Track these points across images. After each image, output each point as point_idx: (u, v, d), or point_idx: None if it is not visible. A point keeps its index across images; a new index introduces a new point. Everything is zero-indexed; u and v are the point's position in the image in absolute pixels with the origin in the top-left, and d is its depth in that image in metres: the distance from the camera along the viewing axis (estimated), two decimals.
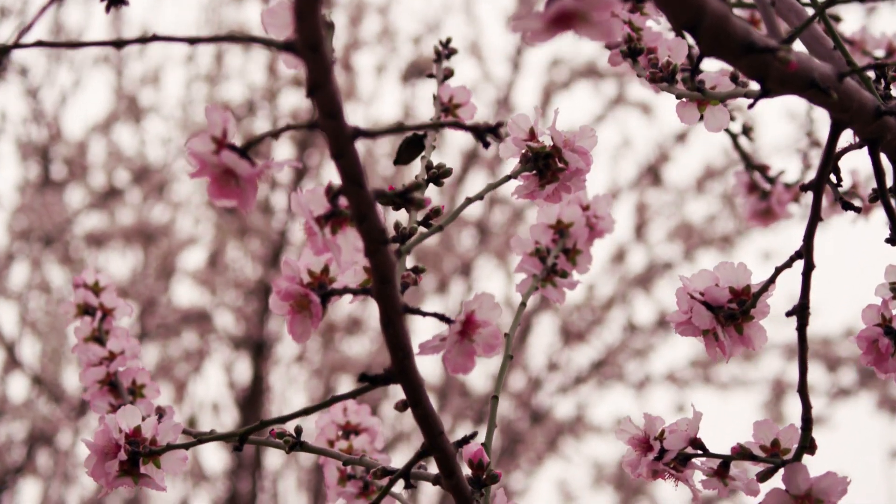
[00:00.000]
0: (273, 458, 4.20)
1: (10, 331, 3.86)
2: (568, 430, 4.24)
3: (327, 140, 0.69)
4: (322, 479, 4.15)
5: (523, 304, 1.03)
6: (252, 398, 3.95)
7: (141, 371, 1.08)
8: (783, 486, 0.82)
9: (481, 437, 0.93)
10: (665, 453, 0.86)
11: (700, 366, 4.35)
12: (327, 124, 0.68)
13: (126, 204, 3.82)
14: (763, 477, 0.84)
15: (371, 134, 0.70)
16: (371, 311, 4.16)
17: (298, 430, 0.94)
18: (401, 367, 0.77)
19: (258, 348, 3.88)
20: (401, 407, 0.83)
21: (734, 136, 1.37)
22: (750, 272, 0.87)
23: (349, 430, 1.10)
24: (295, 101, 4.01)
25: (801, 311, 0.83)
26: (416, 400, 0.79)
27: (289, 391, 4.18)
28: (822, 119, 1.62)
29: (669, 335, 4.38)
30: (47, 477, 3.83)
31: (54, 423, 3.60)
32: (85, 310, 1.13)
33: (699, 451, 0.86)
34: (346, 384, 4.14)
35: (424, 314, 0.79)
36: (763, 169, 1.38)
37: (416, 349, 0.78)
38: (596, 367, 4.29)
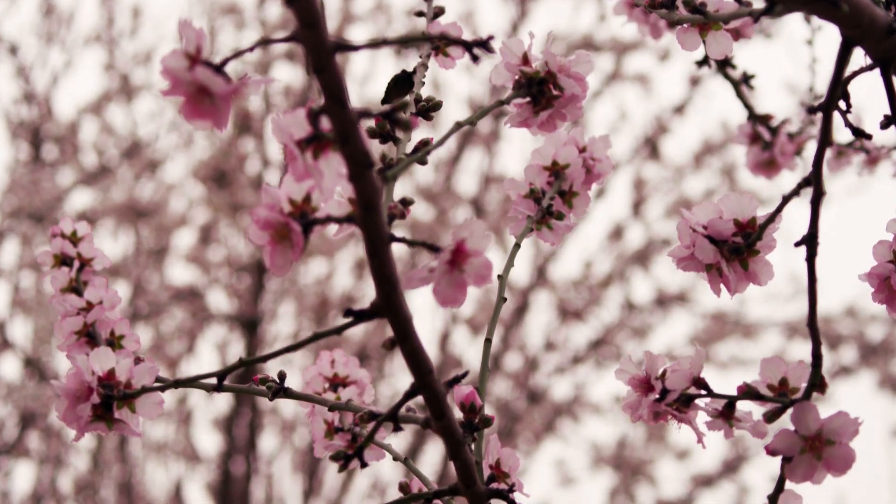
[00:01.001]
0: (267, 440, 4.16)
1: (0, 311, 3.82)
2: (566, 412, 4.20)
3: (307, 53, 0.64)
4: (317, 461, 4.12)
5: (517, 246, 0.99)
6: (245, 377, 3.90)
7: (120, 321, 1.04)
8: (792, 427, 0.77)
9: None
10: (667, 394, 0.81)
11: (699, 342, 4.30)
12: (306, 35, 0.64)
13: (117, 182, 3.77)
14: (771, 417, 0.79)
15: (352, 47, 0.66)
16: (366, 288, 4.12)
17: (282, 376, 0.90)
18: (387, 299, 0.73)
19: (251, 326, 3.84)
20: (388, 345, 0.78)
21: (736, 85, 1.32)
22: (756, 203, 0.82)
23: (337, 383, 1.05)
24: (288, 76, 3.97)
25: (810, 241, 0.79)
26: (403, 335, 0.75)
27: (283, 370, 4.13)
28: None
29: (668, 314, 4.35)
30: (39, 459, 3.79)
31: (45, 404, 3.56)
32: (62, 260, 1.08)
33: (703, 392, 0.81)
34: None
35: (412, 243, 0.75)
36: (766, 119, 1.33)
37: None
38: (594, 346, 4.25)
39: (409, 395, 0.79)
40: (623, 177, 4.17)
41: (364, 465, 0.96)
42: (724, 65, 1.32)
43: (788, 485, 0.83)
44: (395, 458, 0.98)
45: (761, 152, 1.34)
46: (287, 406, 4.26)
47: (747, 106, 1.33)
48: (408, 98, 0.94)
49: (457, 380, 0.80)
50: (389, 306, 0.73)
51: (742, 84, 1.33)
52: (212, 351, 4.05)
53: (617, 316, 4.28)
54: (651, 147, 3.96)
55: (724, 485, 4.36)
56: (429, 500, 0.83)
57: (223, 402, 4.06)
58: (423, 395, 0.77)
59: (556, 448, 4.41)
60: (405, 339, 0.75)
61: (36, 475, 3.83)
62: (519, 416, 4.03)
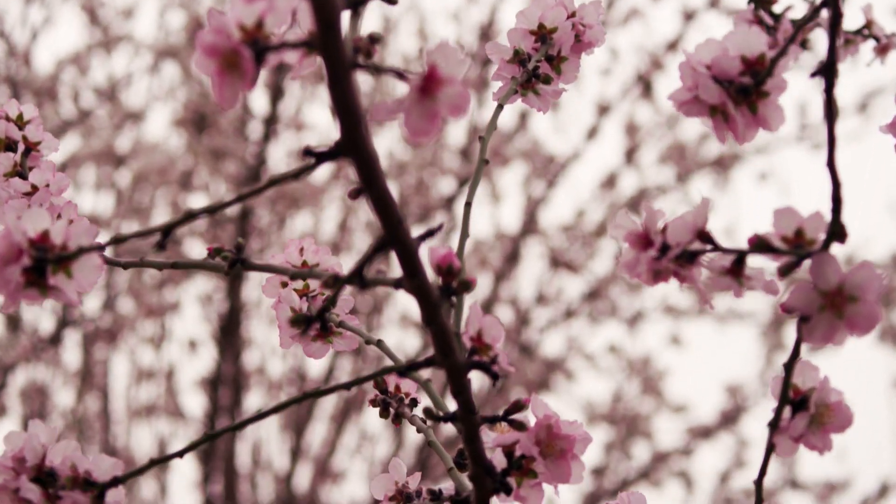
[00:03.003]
0: (253, 400, 4.10)
1: None
2: (559, 368, 4.12)
3: None
4: (306, 418, 4.04)
5: (500, 107, 0.90)
6: (229, 329, 3.84)
7: (68, 205, 0.95)
8: (809, 281, 0.69)
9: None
10: (668, 250, 0.72)
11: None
12: None
13: (96, 131, 3.67)
14: (785, 271, 0.70)
15: None
16: (354, 240, 4.04)
17: (239, 246, 0.81)
18: (351, 136, 0.64)
19: (234, 278, 3.75)
20: (353, 194, 0.70)
21: None
22: (765, 37, 0.73)
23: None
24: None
25: (827, 71, 0.70)
26: (369, 178, 0.66)
27: (269, 327, 4.07)
28: None
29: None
30: (21, 420, 3.72)
31: (23, 355, 3.49)
32: (7, 145, 0.99)
33: (708, 246, 0.72)
34: None
35: (379, 69, 0.66)
36: (767, 4, 1.24)
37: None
38: (587, 298, 4.17)
39: (376, 249, 0.70)
40: (615, 122, 4.08)
41: (325, 331, 0.87)
42: None
43: (804, 360, 0.75)
44: (368, 342, 0.89)
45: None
46: (274, 366, 4.20)
47: None
48: None
49: (431, 233, 0.72)
50: (353, 144, 0.64)
51: None
52: (195, 303, 3.98)
53: (610, 268, 4.20)
54: (645, 85, 3.87)
55: (723, 436, 4.30)
56: (403, 373, 0.75)
57: (208, 355, 3.99)
58: (395, 250, 0.69)
59: (549, 403, 4.32)
60: (372, 184, 0.66)
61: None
62: (511, 371, 3.94)
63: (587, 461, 0.80)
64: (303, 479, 4.07)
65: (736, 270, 0.72)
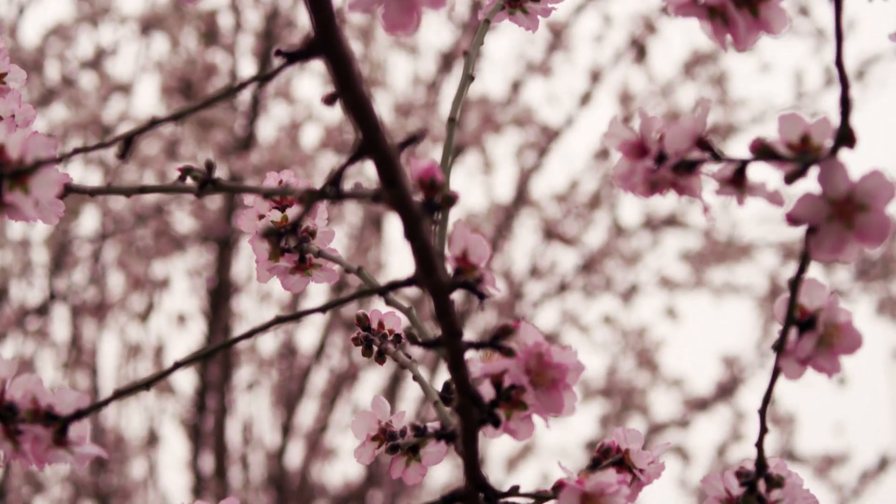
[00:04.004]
0: (243, 375, 4.06)
1: None
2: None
3: None
4: (297, 394, 4.00)
5: (487, 23, 0.85)
6: (218, 303, 3.80)
7: (33, 136, 0.90)
8: (817, 190, 0.64)
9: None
10: (665, 159, 0.68)
11: (692, 260, 4.20)
12: None
13: (82, 102, 3.62)
14: (790, 178, 0.65)
15: None
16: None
17: (209, 165, 0.76)
18: (324, 33, 0.59)
19: (223, 244, 3.71)
20: (328, 99, 0.65)
21: None
22: None
23: (284, 205, 0.92)
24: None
25: None
26: (344, 79, 0.61)
27: (259, 303, 4.04)
28: None
29: (658, 239, 4.23)
30: None
31: (7, 325, 3.45)
32: None
33: (708, 154, 0.68)
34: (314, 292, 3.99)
35: None
36: None
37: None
38: (581, 270, 4.12)
39: (353, 157, 0.65)
40: (609, 90, 4.03)
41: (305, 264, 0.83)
42: None
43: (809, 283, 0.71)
44: (348, 270, 0.85)
45: None
46: (265, 344, 4.15)
47: None
48: None
49: (412, 140, 0.67)
50: (327, 41, 0.59)
51: None
52: (184, 277, 3.94)
53: (605, 240, 4.16)
54: (639, 50, 3.81)
55: (720, 409, 4.27)
56: (384, 293, 0.70)
57: (197, 329, 3.95)
58: (372, 158, 0.64)
59: None
60: (346, 85, 0.61)
61: None
62: None
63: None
64: (295, 456, 4.04)
65: (738, 180, 0.67)
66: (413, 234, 0.66)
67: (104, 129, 3.55)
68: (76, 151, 0.69)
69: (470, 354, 0.71)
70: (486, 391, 0.72)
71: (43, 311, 3.65)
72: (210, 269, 3.89)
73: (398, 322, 0.88)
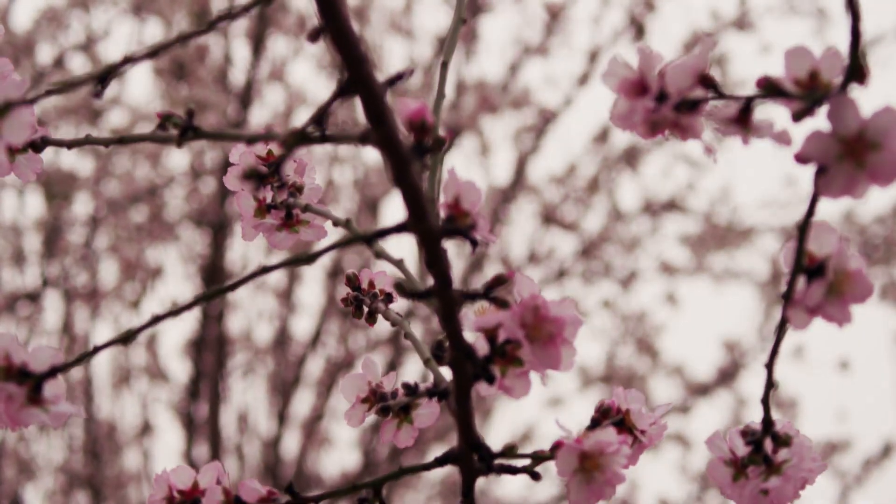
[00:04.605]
0: (237, 361, 4.03)
1: None
2: None
3: None
4: (292, 382, 3.97)
5: None
6: (212, 279, 3.76)
7: (2, 78, 0.87)
8: (826, 128, 0.61)
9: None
10: (666, 98, 0.65)
11: (692, 244, 4.17)
12: None
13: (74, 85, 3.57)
14: (798, 116, 0.62)
15: None
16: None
17: (189, 112, 0.73)
18: None
19: (217, 228, 3.68)
20: (312, 35, 0.62)
21: None
22: None
23: (272, 162, 0.89)
24: None
25: None
26: (328, 10, 0.59)
27: (254, 290, 4.01)
28: None
29: (658, 223, 4.20)
30: None
31: None
32: None
33: (711, 92, 0.64)
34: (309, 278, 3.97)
35: None
36: None
37: None
38: (580, 256, 4.10)
39: (337, 94, 0.62)
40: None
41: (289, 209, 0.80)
42: None
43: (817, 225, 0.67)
44: (336, 223, 0.82)
45: None
46: (260, 333, 4.13)
47: None
48: None
49: (400, 76, 0.64)
50: None
51: None
52: (177, 263, 3.91)
53: (604, 224, 4.13)
54: (637, 28, 3.78)
55: (721, 394, 4.24)
56: (370, 240, 0.67)
57: (191, 317, 3.92)
58: (358, 94, 0.61)
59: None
60: (331, 17, 0.58)
61: None
62: None
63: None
64: (290, 445, 4.01)
65: (743, 119, 0.64)
66: (402, 177, 0.63)
67: (94, 113, 3.52)
68: (49, 93, 0.66)
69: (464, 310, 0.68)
70: (481, 347, 0.69)
71: (35, 297, 3.62)
72: (204, 255, 3.87)
73: (389, 282, 0.86)
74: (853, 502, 4.27)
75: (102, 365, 4.02)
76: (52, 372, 0.69)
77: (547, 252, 4.09)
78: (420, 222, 0.64)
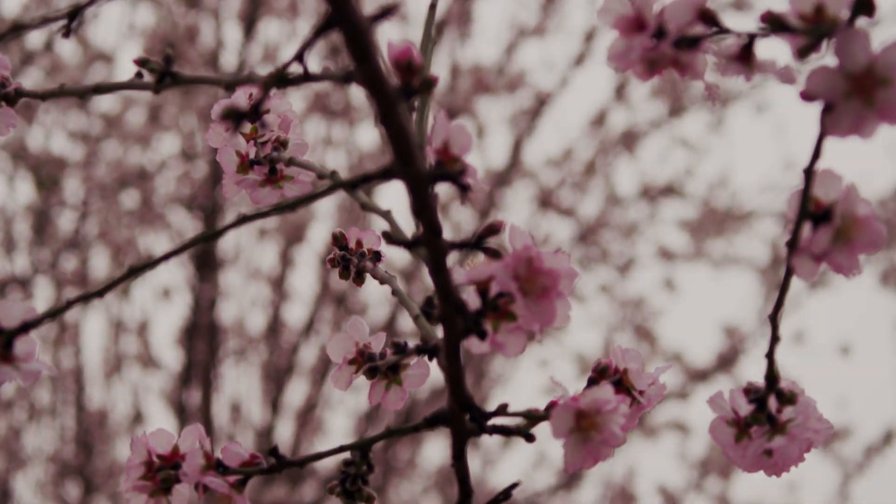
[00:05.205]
0: (230, 349, 4.01)
1: None
2: None
3: None
4: (286, 370, 3.95)
5: None
6: (204, 275, 3.74)
7: None
8: (833, 63, 0.58)
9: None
10: (665, 35, 0.62)
11: (690, 229, 4.14)
12: None
13: (63, 68, 3.56)
14: (803, 52, 0.59)
15: None
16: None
17: (168, 58, 0.70)
18: None
19: (209, 214, 3.65)
20: None
21: None
22: None
23: (253, 105, 0.85)
24: None
25: None
26: None
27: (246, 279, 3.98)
28: None
29: (656, 209, 4.18)
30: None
31: None
32: None
33: (712, 28, 0.61)
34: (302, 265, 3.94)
35: None
36: None
37: None
38: (577, 241, 4.07)
39: (320, 29, 0.59)
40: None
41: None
42: None
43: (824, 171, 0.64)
44: (321, 175, 0.79)
45: None
46: (253, 323, 4.10)
47: None
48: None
49: (386, 12, 0.61)
50: None
51: None
52: (168, 247, 3.87)
53: (601, 209, 4.10)
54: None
55: (720, 381, 4.21)
56: (355, 186, 0.64)
57: (183, 303, 3.89)
58: (342, 29, 0.58)
59: (540, 353, 4.23)
60: None
61: None
62: None
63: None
64: (284, 434, 3.98)
65: (745, 55, 0.61)
66: (388, 118, 0.60)
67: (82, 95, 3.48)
68: (16, 29, 0.63)
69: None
70: (472, 301, 0.66)
71: (25, 283, 3.60)
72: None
73: (377, 241, 0.83)
74: (854, 490, 4.26)
75: (93, 354, 3.99)
76: (24, 328, 0.66)
77: (544, 237, 4.06)
78: (407, 166, 0.61)
